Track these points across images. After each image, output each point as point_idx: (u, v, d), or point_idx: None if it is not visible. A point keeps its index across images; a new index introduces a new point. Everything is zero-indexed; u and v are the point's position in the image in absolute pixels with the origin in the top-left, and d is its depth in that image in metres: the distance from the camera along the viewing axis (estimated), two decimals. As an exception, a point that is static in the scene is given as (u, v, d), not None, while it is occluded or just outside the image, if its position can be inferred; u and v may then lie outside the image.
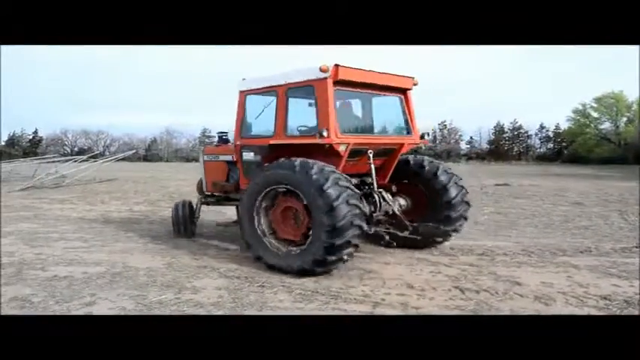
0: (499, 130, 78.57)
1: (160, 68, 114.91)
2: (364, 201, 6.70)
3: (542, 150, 78.83)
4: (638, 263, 6.88)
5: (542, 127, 77.85)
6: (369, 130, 8.00)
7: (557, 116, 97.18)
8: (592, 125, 70.01)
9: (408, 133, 7.86)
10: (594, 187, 22.11)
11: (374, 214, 7.06)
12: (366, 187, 7.36)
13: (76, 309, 5.00)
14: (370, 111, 8.01)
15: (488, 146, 77.80)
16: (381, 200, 7.36)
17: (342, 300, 5.23)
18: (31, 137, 79.32)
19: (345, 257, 6.13)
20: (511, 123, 79.24)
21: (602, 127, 69.82)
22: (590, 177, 31.57)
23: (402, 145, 7.64)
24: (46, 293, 5.47)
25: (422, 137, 7.93)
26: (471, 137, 79.83)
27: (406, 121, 7.93)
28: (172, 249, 7.84)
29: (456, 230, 7.70)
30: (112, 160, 30.10)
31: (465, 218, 7.82)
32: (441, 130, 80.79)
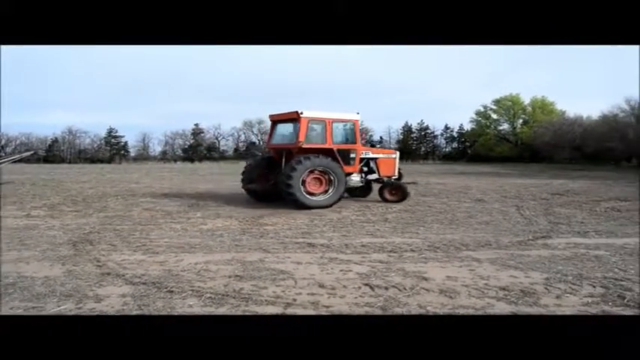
0: (407, 130, 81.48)
1: (64, 65, 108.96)
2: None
3: (447, 149, 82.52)
4: (533, 255, 7.35)
5: (447, 127, 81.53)
6: (280, 141, 14.92)
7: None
8: (492, 126, 74.30)
9: (293, 141, 13.80)
10: (494, 184, 23.44)
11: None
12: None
13: (-38, 325, 4.58)
14: (283, 131, 15.04)
15: (397, 146, 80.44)
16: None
17: (252, 302, 5.16)
18: None
19: None
20: (418, 124, 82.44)
21: (501, 127, 74.37)
22: (491, 175, 33.48)
23: (290, 148, 13.90)
24: None
25: (301, 143, 13.39)
26: (381, 137, 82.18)
27: (295, 135, 13.67)
28: (74, 256, 7.39)
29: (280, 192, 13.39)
30: (7, 161, 28.11)
31: (284, 188, 12.94)
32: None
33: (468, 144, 79.45)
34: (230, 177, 31.42)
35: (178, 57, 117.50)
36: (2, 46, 6.80)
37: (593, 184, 23.60)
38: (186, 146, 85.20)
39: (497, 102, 73.06)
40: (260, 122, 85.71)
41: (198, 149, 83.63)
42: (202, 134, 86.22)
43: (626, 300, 5.23)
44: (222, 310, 4.93)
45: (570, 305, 5.08)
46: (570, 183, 24.18)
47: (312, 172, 13.32)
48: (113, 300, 5.26)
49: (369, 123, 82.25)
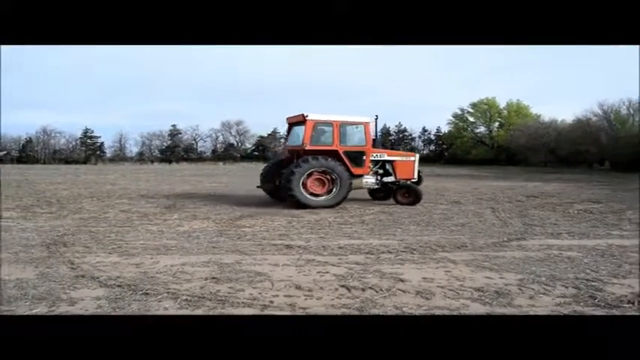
0: (385, 132, 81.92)
1: (39, 64, 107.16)
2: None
3: (425, 152, 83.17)
4: (507, 256, 7.46)
5: (424, 130, 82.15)
6: (294, 142, 15.26)
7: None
8: (469, 129, 75.11)
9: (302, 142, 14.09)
10: (470, 186, 23.70)
11: None
12: None
13: None
14: (297, 134, 15.23)
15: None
16: None
17: (229, 304, 5.14)
18: None
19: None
20: (396, 126, 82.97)
21: (477, 130, 75.22)
22: (467, 177, 33.84)
23: (298, 149, 14.32)
24: None
25: (304, 145, 13.92)
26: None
27: (303, 137, 14.03)
28: (48, 258, 7.26)
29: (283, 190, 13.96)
30: (-22, 162, 27.44)
31: (286, 190, 13.56)
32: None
33: (445, 146, 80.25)
34: (208, 179, 31.25)
35: (157, 57, 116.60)
36: (2, 46, 6.78)
37: (567, 186, 24.03)
38: (163, 147, 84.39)
39: (473, 105, 73.95)
40: (238, 123, 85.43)
41: (175, 150, 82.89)
42: (180, 135, 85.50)
43: (596, 300, 5.33)
44: (198, 313, 4.90)
45: (543, 306, 5.16)
46: (545, 185, 24.57)
47: (314, 173, 13.76)
48: (87, 303, 5.18)
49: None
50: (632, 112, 52.93)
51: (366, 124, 14.73)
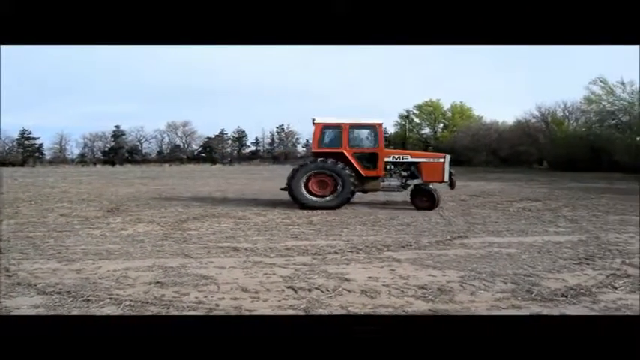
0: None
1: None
2: None
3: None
4: (450, 254, 7.67)
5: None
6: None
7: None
8: (415, 130, 76.61)
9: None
10: (416, 186, 24.13)
11: None
12: None
13: None
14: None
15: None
16: None
17: (174, 308, 5.06)
18: None
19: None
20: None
21: (423, 132, 76.82)
22: (413, 177, 34.42)
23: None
24: None
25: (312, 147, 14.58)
26: (307, 140, 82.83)
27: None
28: (-20, 265, 6.94)
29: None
30: None
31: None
32: (278, 133, 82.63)
33: (392, 147, 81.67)
34: (153, 181, 30.60)
35: (101, 56, 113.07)
36: (2, 46, 6.52)
37: (507, 185, 24.91)
38: (106, 149, 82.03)
39: (419, 107, 75.56)
40: (185, 124, 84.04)
41: (119, 152, 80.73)
42: (123, 137, 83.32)
43: (533, 294, 5.55)
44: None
45: (483, 301, 5.34)
46: (487, 185, 25.38)
47: (317, 174, 14.01)
48: (24, 312, 4.99)
49: (295, 126, 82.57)
50: (567, 114, 55.47)
51: (378, 126, 14.53)
